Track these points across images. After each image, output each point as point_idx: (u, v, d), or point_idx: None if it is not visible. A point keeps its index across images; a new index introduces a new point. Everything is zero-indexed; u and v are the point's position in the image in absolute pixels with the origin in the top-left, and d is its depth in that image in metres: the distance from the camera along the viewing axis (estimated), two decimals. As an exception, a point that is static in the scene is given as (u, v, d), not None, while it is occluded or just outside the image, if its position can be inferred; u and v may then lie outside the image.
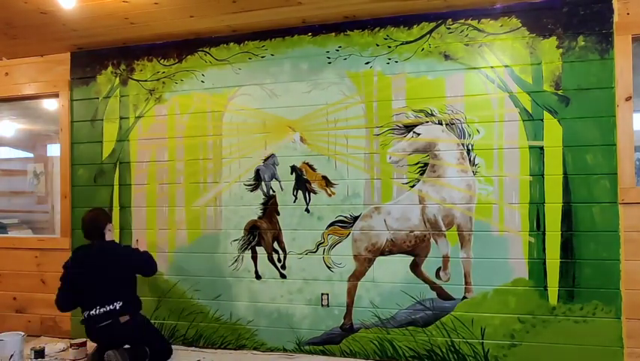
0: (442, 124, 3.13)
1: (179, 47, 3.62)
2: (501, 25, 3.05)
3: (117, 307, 3.05)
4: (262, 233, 3.45)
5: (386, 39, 3.23)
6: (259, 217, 3.46)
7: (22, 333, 3.26)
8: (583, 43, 2.92)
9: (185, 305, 3.58)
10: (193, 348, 3.50)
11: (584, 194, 2.90)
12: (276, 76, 3.43)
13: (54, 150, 4.48)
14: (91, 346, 3.40)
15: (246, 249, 3.48)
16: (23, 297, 3.96)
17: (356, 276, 3.27)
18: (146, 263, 3.31)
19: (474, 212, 3.07)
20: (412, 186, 3.17)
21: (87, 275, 3.09)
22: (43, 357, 3.30)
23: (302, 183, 3.37)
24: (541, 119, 2.96)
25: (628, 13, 2.88)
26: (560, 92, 2.94)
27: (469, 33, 3.09)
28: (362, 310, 3.25)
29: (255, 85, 3.46)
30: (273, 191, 3.43)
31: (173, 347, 3.37)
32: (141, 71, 3.71)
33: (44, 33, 3.44)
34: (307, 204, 3.36)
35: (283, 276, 3.41)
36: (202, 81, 3.57)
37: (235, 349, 3.46)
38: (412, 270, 3.17)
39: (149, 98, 3.69)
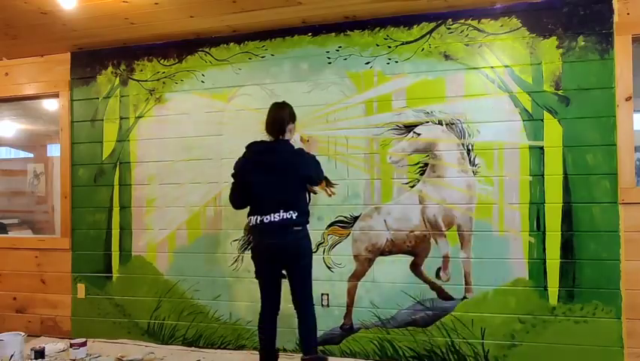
0: (442, 124, 3.13)
1: (179, 47, 3.62)
2: (501, 25, 3.05)
3: (293, 217, 2.71)
4: (262, 233, 3.43)
5: (386, 39, 3.23)
6: (259, 217, 3.44)
7: (22, 333, 3.27)
8: (583, 43, 2.92)
9: (185, 305, 3.57)
10: (193, 348, 3.50)
11: (584, 194, 2.90)
12: (276, 76, 3.42)
13: (54, 150, 4.48)
14: (91, 346, 3.41)
15: (246, 249, 3.48)
16: (23, 297, 3.96)
17: (356, 276, 3.27)
18: (320, 174, 2.94)
19: (474, 212, 3.07)
20: (412, 187, 3.17)
21: (259, 175, 2.73)
22: (43, 357, 3.29)
23: (302, 183, 3.36)
24: (542, 120, 2.96)
25: (628, 13, 2.88)
26: (560, 92, 2.94)
27: (469, 33, 3.09)
28: (362, 310, 3.25)
29: (255, 85, 3.46)
30: (273, 191, 3.42)
31: (172, 347, 3.36)
32: (141, 71, 3.71)
33: (44, 33, 3.44)
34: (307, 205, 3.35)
35: (283, 276, 3.39)
36: (202, 81, 3.57)
37: (235, 349, 3.45)
38: (412, 270, 3.17)
39: (149, 98, 3.69)
